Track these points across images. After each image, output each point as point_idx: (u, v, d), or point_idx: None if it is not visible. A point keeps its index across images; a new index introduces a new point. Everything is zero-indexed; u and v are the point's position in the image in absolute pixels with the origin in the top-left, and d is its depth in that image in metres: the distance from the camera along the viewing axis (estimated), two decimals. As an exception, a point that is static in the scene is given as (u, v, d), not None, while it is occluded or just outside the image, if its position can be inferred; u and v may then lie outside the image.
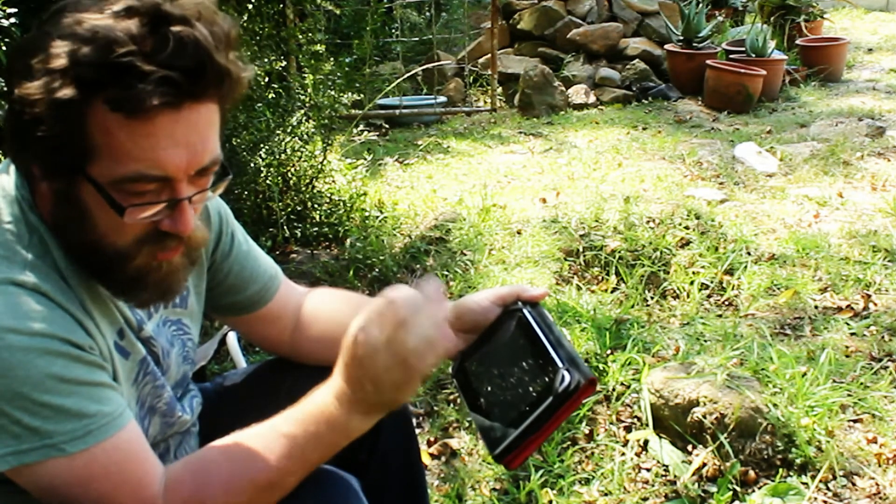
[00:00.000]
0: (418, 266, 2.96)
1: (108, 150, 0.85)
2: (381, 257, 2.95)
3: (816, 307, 2.63)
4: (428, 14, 6.88)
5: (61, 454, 0.86)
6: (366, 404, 0.95)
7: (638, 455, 1.97)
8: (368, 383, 0.93)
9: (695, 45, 6.10)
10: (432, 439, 2.09)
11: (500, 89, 6.01)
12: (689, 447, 1.94)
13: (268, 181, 3.07)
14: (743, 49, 6.00)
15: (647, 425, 2.01)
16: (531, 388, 0.98)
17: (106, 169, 0.86)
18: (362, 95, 3.96)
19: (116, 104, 0.83)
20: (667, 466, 1.90)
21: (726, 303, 2.77)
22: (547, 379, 0.96)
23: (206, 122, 0.89)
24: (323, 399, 0.97)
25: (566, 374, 0.95)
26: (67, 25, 0.84)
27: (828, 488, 1.83)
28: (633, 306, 2.67)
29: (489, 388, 1.08)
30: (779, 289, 2.76)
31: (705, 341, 2.38)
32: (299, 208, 3.20)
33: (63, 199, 0.90)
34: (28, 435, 0.85)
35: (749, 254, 3.00)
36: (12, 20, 1.85)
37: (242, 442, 0.96)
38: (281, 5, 3.59)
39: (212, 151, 0.91)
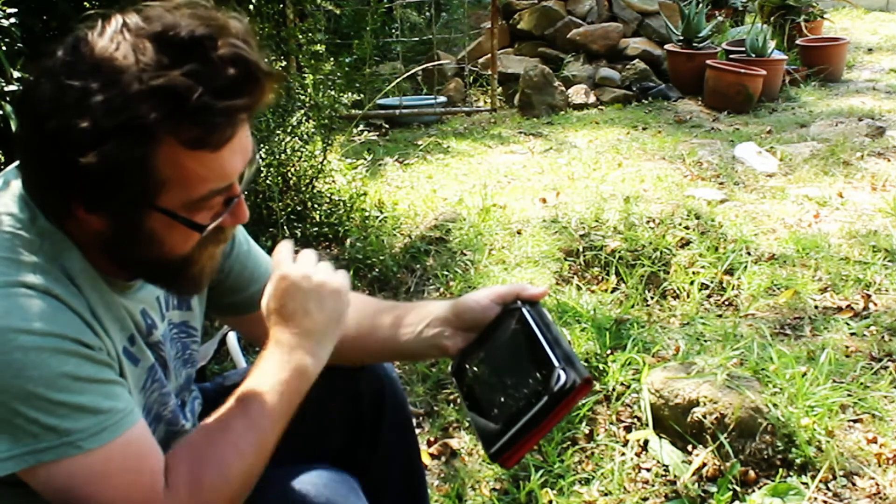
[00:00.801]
0: (418, 266, 2.96)
1: (179, 181, 0.87)
2: (381, 257, 2.95)
3: (816, 307, 2.63)
4: (428, 14, 6.88)
5: (79, 451, 0.87)
6: (310, 338, 1.02)
7: (638, 455, 1.97)
8: (301, 314, 1.02)
9: (695, 45, 6.09)
10: (432, 439, 2.09)
11: (500, 89, 6.01)
12: (689, 447, 1.94)
13: (268, 181, 3.07)
14: (743, 49, 6.00)
15: (647, 425, 2.01)
16: (528, 387, 0.98)
17: (177, 197, 0.88)
18: (362, 95, 3.96)
19: (197, 143, 0.85)
20: (667, 466, 1.90)
21: (726, 303, 2.77)
22: (543, 378, 0.96)
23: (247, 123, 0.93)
24: (271, 354, 1.02)
25: (562, 373, 0.95)
26: (98, 70, 0.82)
27: (828, 488, 1.83)
28: (633, 306, 2.67)
29: (487, 387, 1.09)
30: (779, 289, 2.76)
31: (705, 341, 2.38)
32: (299, 208, 3.20)
33: (126, 231, 0.91)
34: (45, 433, 0.85)
35: (749, 254, 3.00)
36: (12, 20, 1.85)
37: (216, 418, 0.99)
38: (281, 5, 3.59)
39: (252, 146, 0.95)
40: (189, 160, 0.86)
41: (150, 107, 0.82)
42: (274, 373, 1.00)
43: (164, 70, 0.82)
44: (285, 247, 1.09)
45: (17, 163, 0.98)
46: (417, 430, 1.78)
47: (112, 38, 0.84)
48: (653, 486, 1.88)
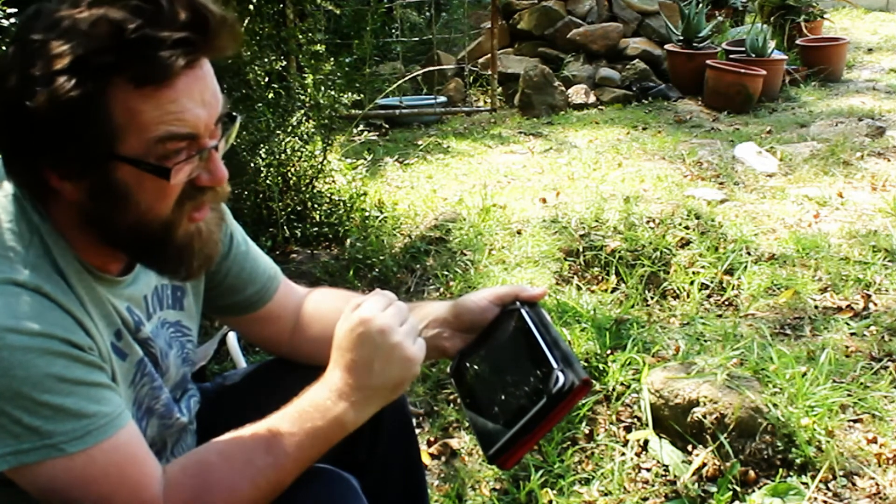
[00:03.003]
0: (418, 266, 2.96)
1: (135, 125, 0.86)
2: (381, 257, 2.95)
3: (816, 307, 2.63)
4: (428, 14, 6.88)
5: (61, 454, 0.86)
6: (361, 393, 0.98)
7: (638, 455, 1.97)
8: (363, 367, 0.97)
9: (695, 45, 6.09)
10: (432, 439, 2.09)
11: (500, 89, 6.01)
12: (689, 447, 1.94)
13: (268, 181, 3.07)
14: (743, 49, 6.00)
15: (647, 425, 2.01)
16: (526, 389, 0.98)
17: (136, 143, 0.87)
18: (362, 95, 3.96)
19: (142, 79, 0.84)
20: (667, 466, 1.90)
21: (726, 303, 2.77)
22: (541, 379, 0.96)
23: (211, 74, 0.91)
24: (318, 394, 0.99)
25: (560, 374, 0.95)
26: (57, 26, 0.84)
27: (828, 488, 1.83)
28: (633, 306, 2.67)
29: (486, 388, 1.08)
30: (779, 289, 2.76)
31: (705, 341, 2.38)
32: (299, 208, 3.20)
33: (99, 191, 0.89)
34: (28, 434, 0.85)
35: (749, 254, 3.00)
36: (12, 20, 1.85)
37: (239, 442, 0.97)
38: (281, 5, 3.59)
39: (221, 100, 0.93)
40: (139, 101, 0.85)
41: (93, 42, 0.82)
42: (312, 417, 0.97)
43: (110, 9, 0.83)
44: (382, 293, 1.03)
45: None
46: (417, 430, 1.78)
47: (73, 1, 0.86)
48: (653, 486, 1.88)
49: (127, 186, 0.89)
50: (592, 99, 5.89)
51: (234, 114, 0.99)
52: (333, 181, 3.45)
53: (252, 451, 0.96)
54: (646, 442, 1.98)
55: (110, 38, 0.82)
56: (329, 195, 3.34)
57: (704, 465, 1.88)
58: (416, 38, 6.71)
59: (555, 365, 0.96)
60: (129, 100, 0.84)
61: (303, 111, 3.23)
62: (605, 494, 1.87)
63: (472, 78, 6.37)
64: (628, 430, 2.06)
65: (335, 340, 1.01)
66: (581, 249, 3.02)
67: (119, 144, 0.86)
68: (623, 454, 1.97)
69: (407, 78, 4.88)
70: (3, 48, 1.79)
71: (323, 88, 3.23)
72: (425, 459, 1.97)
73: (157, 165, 0.88)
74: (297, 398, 1.00)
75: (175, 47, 0.84)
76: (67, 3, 0.86)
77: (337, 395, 0.98)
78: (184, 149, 0.89)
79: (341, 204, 3.31)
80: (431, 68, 5.90)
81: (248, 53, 2.98)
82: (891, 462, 1.88)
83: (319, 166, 3.27)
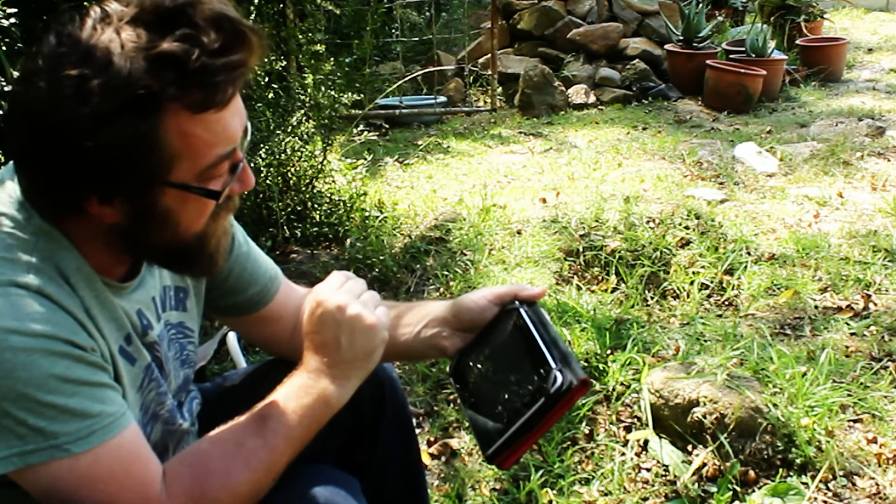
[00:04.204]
0: (418, 266, 2.96)
1: (188, 151, 0.87)
2: (381, 257, 2.95)
3: (816, 307, 2.63)
4: (428, 14, 6.87)
5: (66, 455, 0.86)
6: (337, 369, 1.01)
7: (638, 455, 1.97)
8: (332, 344, 1.01)
9: (695, 45, 6.09)
10: (432, 439, 2.09)
11: (500, 89, 6.01)
12: (689, 447, 1.94)
13: (268, 181, 3.07)
14: (743, 49, 6.00)
15: (647, 425, 2.01)
16: (525, 388, 0.98)
17: (188, 168, 0.88)
18: (362, 95, 3.96)
19: (201, 106, 0.85)
20: (667, 466, 1.90)
21: (726, 303, 2.77)
22: (540, 379, 0.96)
23: None
24: (298, 377, 1.02)
25: (558, 374, 0.95)
26: (93, 57, 0.82)
27: (828, 488, 1.83)
28: (633, 306, 2.67)
29: (485, 388, 1.09)
30: (779, 289, 2.76)
31: (705, 341, 2.38)
32: (299, 208, 3.20)
33: (140, 215, 0.90)
34: (33, 435, 0.85)
35: (749, 254, 3.00)
36: (12, 20, 1.85)
37: (230, 429, 0.99)
38: (281, 5, 3.59)
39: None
40: (195, 126, 0.86)
41: (151, 77, 0.82)
42: (297, 396, 1.00)
43: (157, 40, 0.83)
44: (338, 273, 1.07)
45: (11, 163, 0.98)
46: (417, 430, 1.78)
47: (95, 26, 0.84)
48: (653, 486, 1.88)
49: (170, 209, 0.91)
50: (592, 99, 5.89)
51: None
52: (333, 181, 3.45)
53: (242, 435, 0.98)
54: (646, 442, 1.98)
55: (169, 69, 0.82)
56: (329, 195, 3.34)
57: (704, 465, 1.88)
58: (416, 38, 6.71)
59: (553, 365, 0.97)
60: (183, 125, 0.85)
61: (303, 111, 3.23)
62: (605, 494, 1.87)
63: (472, 78, 6.37)
64: (628, 430, 2.06)
65: (303, 328, 1.04)
66: (581, 249, 3.02)
67: (171, 172, 0.88)
68: (623, 454, 1.97)
69: (407, 78, 4.88)
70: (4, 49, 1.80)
71: (323, 88, 3.23)
72: (425, 459, 1.97)
73: (207, 189, 0.91)
74: (280, 385, 1.03)
75: (230, 71, 0.85)
76: (88, 23, 0.85)
77: (315, 375, 1.01)
78: (226, 167, 0.92)
79: (341, 204, 3.31)
80: (431, 68, 5.91)
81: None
82: (891, 462, 1.88)
83: (319, 166, 3.27)
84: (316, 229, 3.16)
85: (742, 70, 5.53)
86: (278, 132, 3.11)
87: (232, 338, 1.67)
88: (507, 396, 1.01)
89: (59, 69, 0.83)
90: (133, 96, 0.82)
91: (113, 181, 0.86)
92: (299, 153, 3.22)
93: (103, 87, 0.81)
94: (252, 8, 2.97)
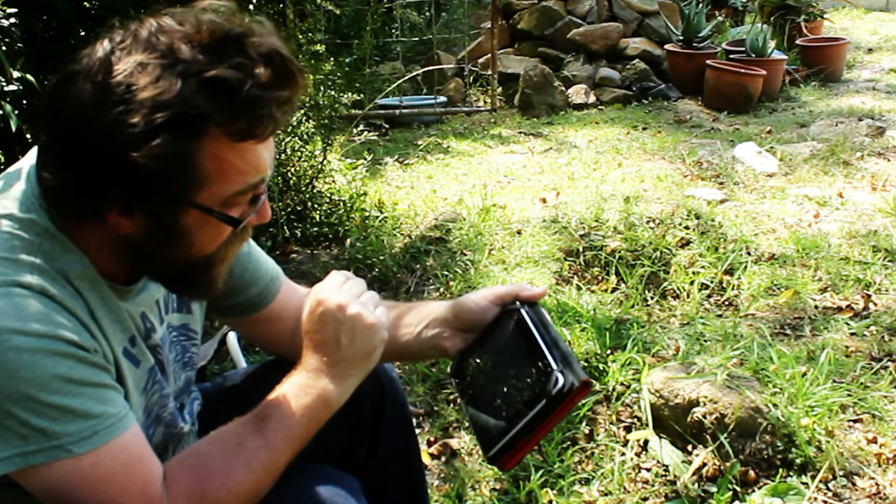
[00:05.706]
0: (418, 266, 2.96)
1: (219, 175, 0.88)
2: (381, 257, 2.95)
3: (816, 307, 2.63)
4: (428, 14, 6.87)
5: (68, 455, 0.86)
6: (336, 368, 1.01)
7: (638, 455, 1.97)
8: (331, 343, 1.01)
9: (695, 45, 6.09)
10: (432, 439, 2.09)
11: (500, 89, 6.01)
12: (689, 447, 1.94)
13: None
14: (743, 49, 6.00)
15: (647, 425, 2.01)
16: (526, 390, 0.98)
17: (216, 192, 0.89)
18: (362, 95, 3.96)
19: (243, 135, 0.86)
20: (667, 466, 1.90)
21: (726, 303, 2.77)
22: (541, 380, 0.96)
23: None
24: (298, 377, 1.02)
25: (559, 376, 0.95)
26: (156, 65, 0.82)
27: (828, 488, 1.83)
28: (633, 306, 2.67)
29: (486, 388, 1.08)
30: (779, 289, 2.76)
31: (705, 341, 2.38)
32: (299, 208, 3.20)
33: (158, 230, 0.91)
34: (35, 436, 0.85)
35: (749, 254, 3.00)
36: (12, 20, 1.85)
37: (230, 429, 0.99)
38: (281, 5, 3.59)
39: None
40: (231, 153, 0.87)
41: (202, 99, 0.82)
42: (297, 395, 1.00)
43: (212, 64, 0.83)
44: (337, 272, 1.07)
45: (17, 165, 0.97)
46: (417, 430, 1.78)
47: (150, 38, 0.85)
48: (653, 486, 1.88)
49: (188, 229, 0.91)
50: (592, 99, 5.89)
51: None
52: (333, 181, 3.45)
53: (242, 435, 0.98)
54: (646, 442, 1.98)
55: (221, 94, 0.83)
56: (329, 195, 3.34)
57: (704, 465, 1.88)
58: (416, 38, 6.71)
59: (554, 366, 0.96)
60: (221, 150, 0.86)
61: (303, 111, 3.23)
62: (605, 494, 1.87)
63: (472, 78, 6.37)
64: (628, 430, 2.06)
65: (302, 327, 1.04)
66: (581, 249, 3.02)
67: (199, 193, 0.88)
68: (623, 454, 1.97)
69: (407, 78, 4.88)
70: (5, 49, 1.80)
71: (323, 88, 3.23)
72: (425, 459, 1.97)
73: (228, 216, 0.91)
74: (280, 385, 1.03)
75: (277, 106, 0.87)
76: (142, 35, 0.85)
77: (315, 374, 1.01)
78: (249, 197, 0.93)
79: (341, 204, 3.31)
80: (431, 68, 5.91)
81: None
82: (891, 462, 1.88)
83: (319, 166, 3.27)
84: (316, 229, 3.16)
85: (742, 70, 5.53)
86: (278, 132, 3.11)
87: (232, 338, 1.67)
88: (508, 397, 1.00)
89: (109, 75, 0.83)
90: (181, 114, 0.82)
91: (142, 193, 0.86)
92: (299, 153, 3.22)
93: (153, 101, 0.81)
94: (252, 8, 2.97)
